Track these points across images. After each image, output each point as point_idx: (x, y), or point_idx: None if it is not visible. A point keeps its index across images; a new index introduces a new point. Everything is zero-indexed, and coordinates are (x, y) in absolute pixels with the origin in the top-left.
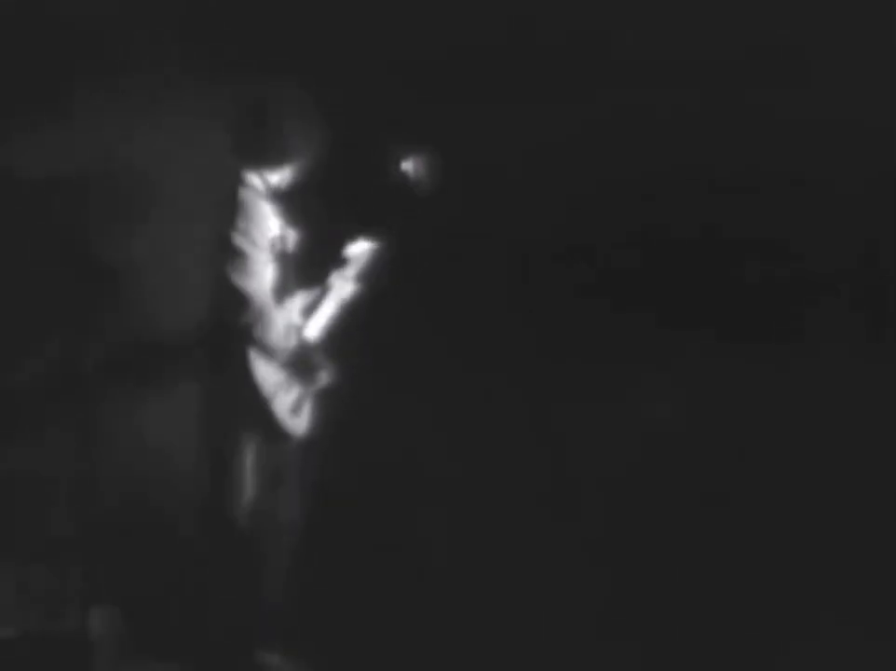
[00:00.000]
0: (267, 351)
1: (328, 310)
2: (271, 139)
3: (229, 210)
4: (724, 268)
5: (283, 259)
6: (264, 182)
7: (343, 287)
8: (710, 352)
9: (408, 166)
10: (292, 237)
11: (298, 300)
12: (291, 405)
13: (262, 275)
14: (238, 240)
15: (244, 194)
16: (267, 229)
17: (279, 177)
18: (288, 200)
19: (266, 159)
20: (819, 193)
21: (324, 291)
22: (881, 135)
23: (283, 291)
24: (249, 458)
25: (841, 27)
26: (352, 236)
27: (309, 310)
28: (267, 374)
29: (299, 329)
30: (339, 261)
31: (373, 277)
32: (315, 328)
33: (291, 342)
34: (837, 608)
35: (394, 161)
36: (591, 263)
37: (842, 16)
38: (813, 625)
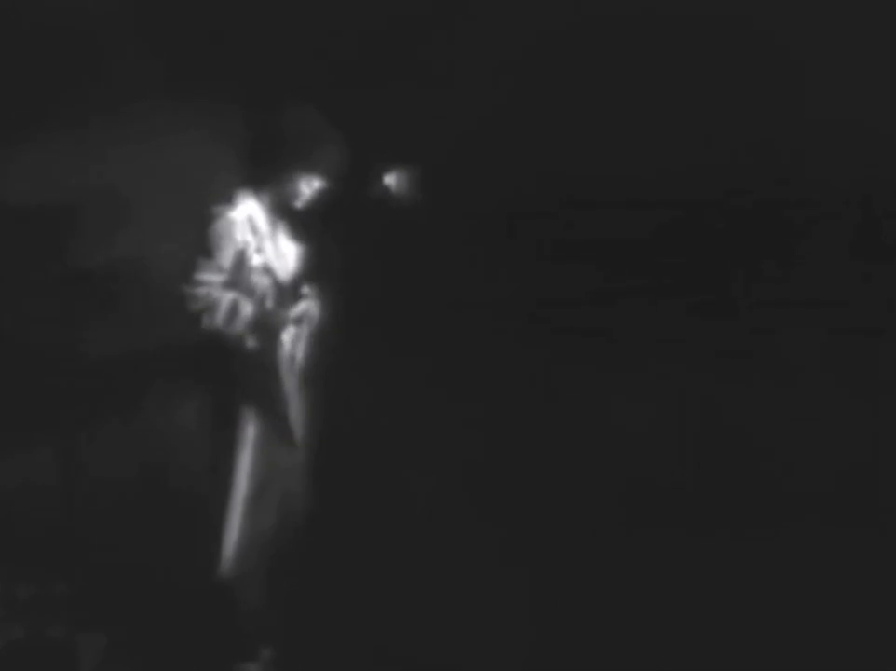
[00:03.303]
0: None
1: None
2: (271, 159)
3: (212, 226)
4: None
5: (269, 272)
6: (258, 199)
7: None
8: (688, 358)
9: (390, 180)
10: (276, 250)
11: (287, 310)
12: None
13: (249, 288)
14: (225, 254)
15: (227, 209)
16: (249, 244)
17: (273, 195)
18: (275, 217)
19: (265, 179)
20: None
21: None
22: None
23: (271, 302)
24: (244, 470)
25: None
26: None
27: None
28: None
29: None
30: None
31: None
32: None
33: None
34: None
35: (375, 176)
36: (573, 269)
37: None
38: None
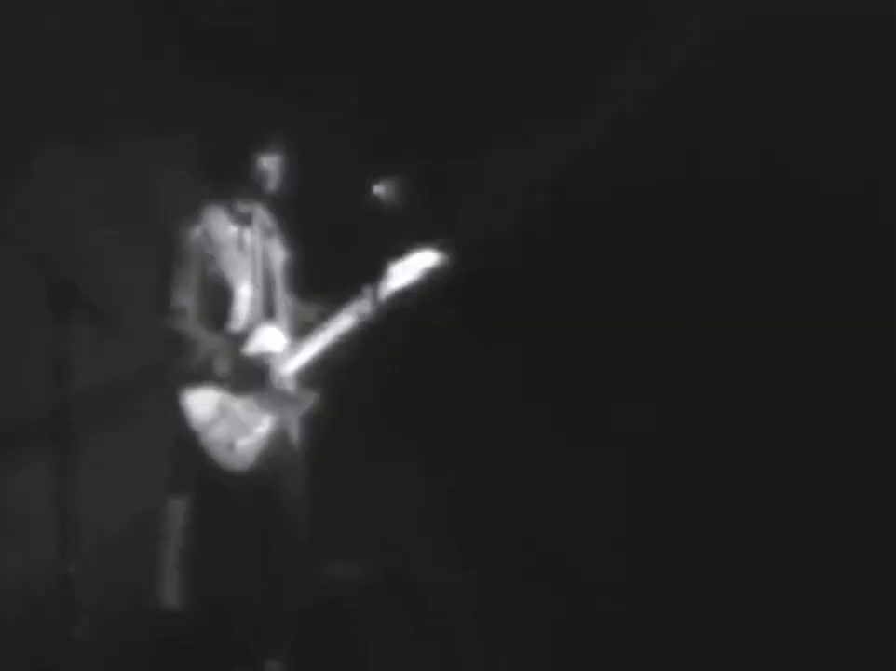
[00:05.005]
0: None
1: (308, 351)
2: (244, 172)
3: (180, 243)
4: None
5: (253, 294)
6: (235, 212)
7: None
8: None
9: (380, 191)
10: (266, 267)
11: (269, 337)
12: (224, 440)
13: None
14: (190, 273)
15: (194, 225)
16: (237, 262)
17: (249, 208)
18: (260, 231)
19: (239, 192)
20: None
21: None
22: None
23: (252, 325)
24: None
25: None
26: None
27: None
28: (202, 408)
29: (268, 367)
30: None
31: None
32: (290, 367)
33: (258, 379)
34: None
35: (366, 188)
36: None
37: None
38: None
